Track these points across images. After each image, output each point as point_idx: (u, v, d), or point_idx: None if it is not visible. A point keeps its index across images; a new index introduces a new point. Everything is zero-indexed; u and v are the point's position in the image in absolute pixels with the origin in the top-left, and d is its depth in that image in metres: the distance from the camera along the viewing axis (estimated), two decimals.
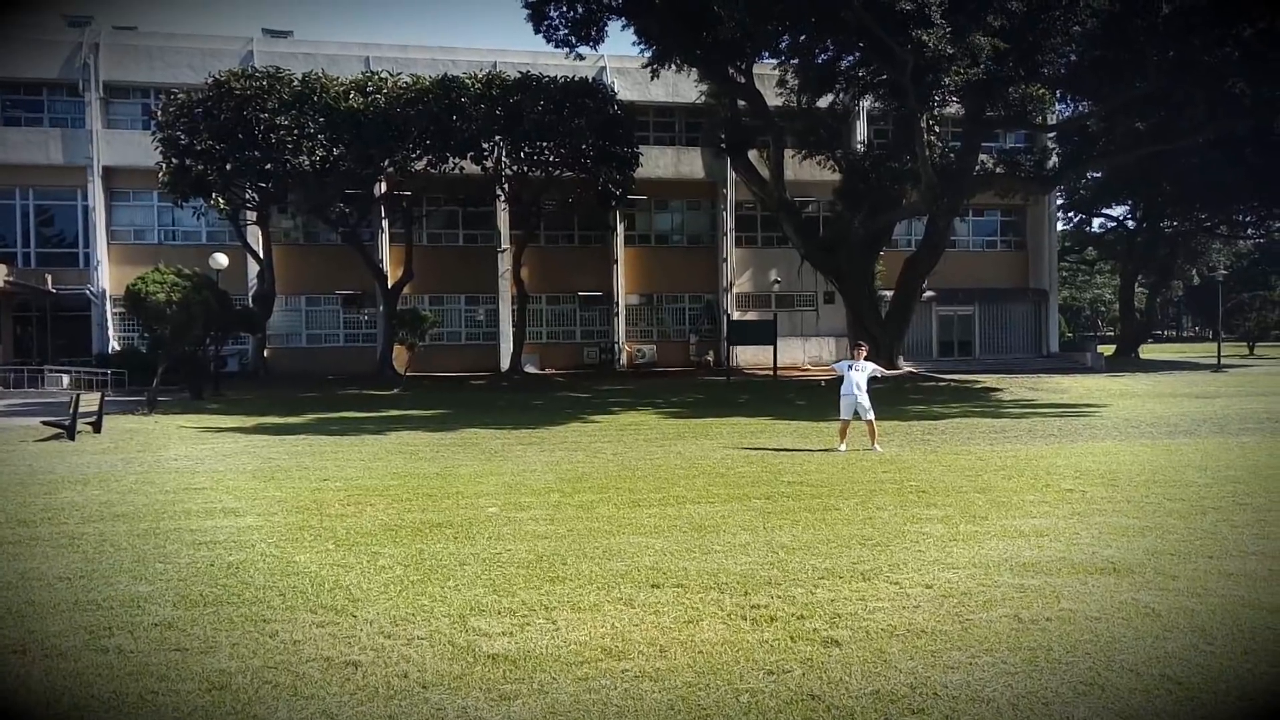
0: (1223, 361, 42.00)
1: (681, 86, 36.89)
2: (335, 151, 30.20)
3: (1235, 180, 40.69)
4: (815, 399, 24.97)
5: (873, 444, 14.29)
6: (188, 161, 29.60)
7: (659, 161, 38.84)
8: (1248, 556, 7.06)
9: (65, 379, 30.52)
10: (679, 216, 42.07)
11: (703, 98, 35.33)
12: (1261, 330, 65.00)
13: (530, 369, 37.01)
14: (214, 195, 30.87)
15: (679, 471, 12.17)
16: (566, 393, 28.47)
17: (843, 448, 14.19)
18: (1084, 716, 4.16)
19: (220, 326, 26.99)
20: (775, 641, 5.21)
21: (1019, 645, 5.10)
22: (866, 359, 15.09)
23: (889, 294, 33.67)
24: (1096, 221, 55.06)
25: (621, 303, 40.18)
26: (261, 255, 34.03)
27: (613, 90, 34.52)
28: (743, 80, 31.05)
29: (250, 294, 35.23)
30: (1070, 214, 53.62)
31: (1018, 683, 4.56)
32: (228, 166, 29.69)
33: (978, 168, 31.95)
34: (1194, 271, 73.33)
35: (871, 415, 14.40)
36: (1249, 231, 56.69)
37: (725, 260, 40.85)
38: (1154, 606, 5.78)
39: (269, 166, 29.98)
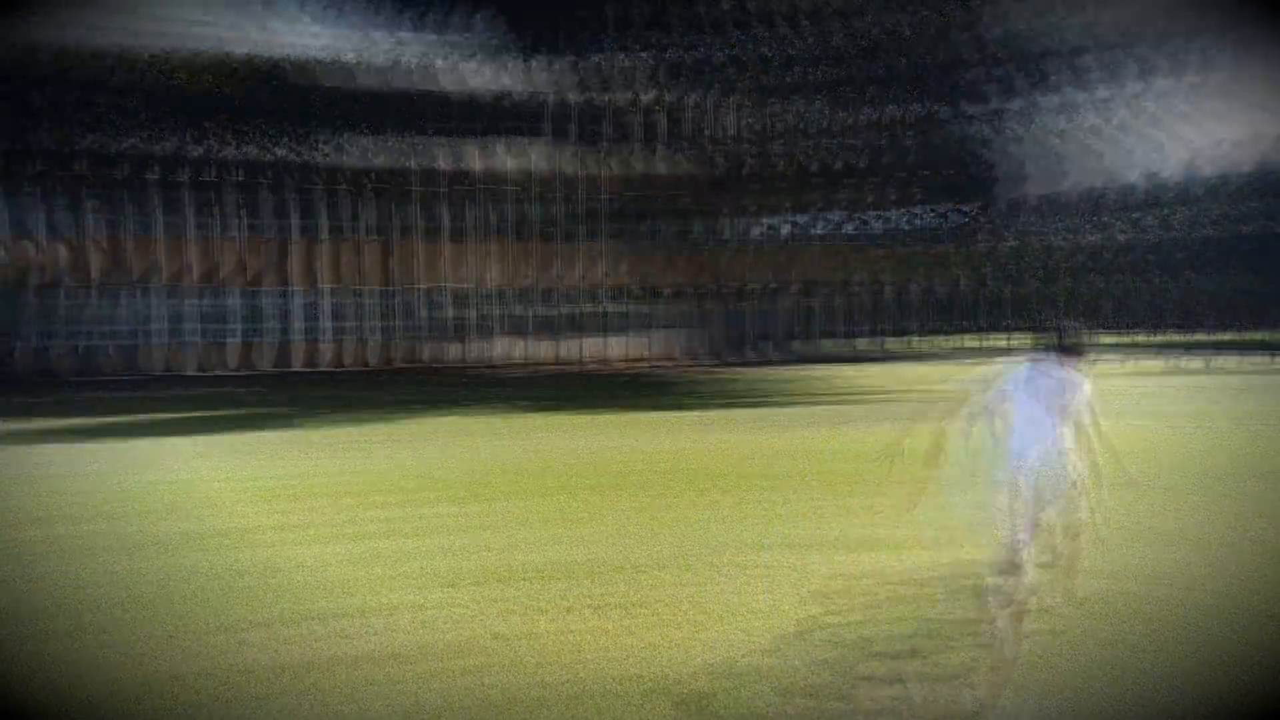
0: None
1: (539, 77, 36.15)
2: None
3: None
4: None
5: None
6: None
7: (506, 152, 37.75)
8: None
9: None
10: (527, 208, 40.94)
11: (559, 89, 34.89)
12: None
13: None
14: None
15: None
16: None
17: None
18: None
19: None
20: (619, 629, 5.34)
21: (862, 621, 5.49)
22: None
23: (751, 286, 34.69)
24: None
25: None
26: None
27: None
28: (600, 71, 31.15)
29: None
30: None
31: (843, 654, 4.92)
32: None
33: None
34: None
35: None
36: None
37: (575, 253, 40.20)
38: None
39: None
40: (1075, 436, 5.29)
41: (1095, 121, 42.31)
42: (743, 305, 39.59)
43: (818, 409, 19.48)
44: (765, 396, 23.43)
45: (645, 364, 36.63)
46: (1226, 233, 48.84)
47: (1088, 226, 51.09)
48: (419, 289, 37.19)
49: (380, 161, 33.57)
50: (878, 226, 43.29)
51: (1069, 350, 5.32)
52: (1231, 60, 39.57)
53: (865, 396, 22.06)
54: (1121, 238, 51.36)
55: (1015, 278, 50.13)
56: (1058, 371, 5.31)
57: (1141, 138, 43.46)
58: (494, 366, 36.07)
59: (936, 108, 39.08)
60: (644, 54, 32.56)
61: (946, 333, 48.79)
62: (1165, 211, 51.02)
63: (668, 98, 34.01)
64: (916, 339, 46.03)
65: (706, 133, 35.49)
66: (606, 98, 31.88)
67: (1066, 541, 5.43)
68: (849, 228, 42.46)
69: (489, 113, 39.14)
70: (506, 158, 37.76)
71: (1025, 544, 5.29)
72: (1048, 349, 5.36)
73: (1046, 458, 5.19)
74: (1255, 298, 48.76)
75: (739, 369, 34.04)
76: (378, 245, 36.83)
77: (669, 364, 36.60)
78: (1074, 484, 5.26)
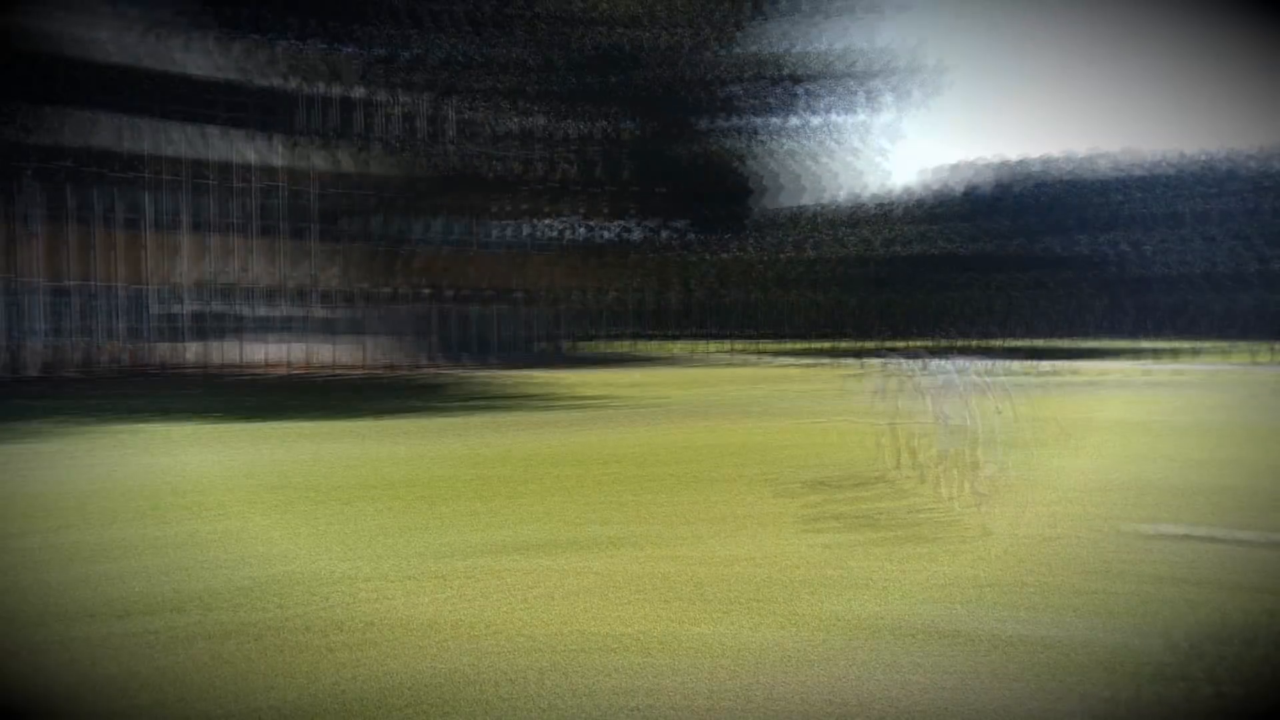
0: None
1: (245, 61, 32.81)
2: None
3: None
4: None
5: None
6: None
7: (199, 138, 33.93)
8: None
9: None
10: (222, 199, 37.13)
11: (266, 76, 32.03)
12: None
13: None
14: None
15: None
16: None
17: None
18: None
19: None
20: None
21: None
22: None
23: (473, 291, 33.64)
24: None
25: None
26: None
27: None
28: (309, 61, 29.10)
29: None
30: None
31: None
32: None
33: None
34: None
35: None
36: None
37: (281, 250, 36.89)
38: None
39: None
40: (979, 406, 8.83)
41: (811, 146, 45.50)
42: (463, 310, 38.66)
43: (562, 413, 19.18)
44: (494, 399, 22.93)
45: (360, 369, 34.73)
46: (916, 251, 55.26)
47: (788, 243, 55.54)
48: (101, 285, 32.63)
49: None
50: (602, 236, 44.17)
51: (972, 353, 10.30)
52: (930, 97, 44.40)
53: (601, 401, 22.15)
54: (830, 254, 56.32)
55: (728, 288, 53.23)
56: (966, 368, 9.48)
57: (846, 164, 47.46)
58: (202, 369, 32.62)
59: (668, 123, 40.18)
60: (362, 48, 31.09)
61: (658, 338, 51.36)
62: (865, 231, 57.00)
63: (399, 96, 32.53)
64: (636, 343, 47.82)
65: (426, 133, 34.33)
66: (317, 88, 29.92)
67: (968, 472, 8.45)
68: (579, 235, 43.05)
69: (182, 95, 35.11)
70: (201, 143, 34.19)
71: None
72: (963, 353, 10.37)
73: (965, 417, 8.68)
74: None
75: (456, 373, 33.04)
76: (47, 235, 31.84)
77: (384, 369, 34.93)
78: (979, 436, 8.66)
